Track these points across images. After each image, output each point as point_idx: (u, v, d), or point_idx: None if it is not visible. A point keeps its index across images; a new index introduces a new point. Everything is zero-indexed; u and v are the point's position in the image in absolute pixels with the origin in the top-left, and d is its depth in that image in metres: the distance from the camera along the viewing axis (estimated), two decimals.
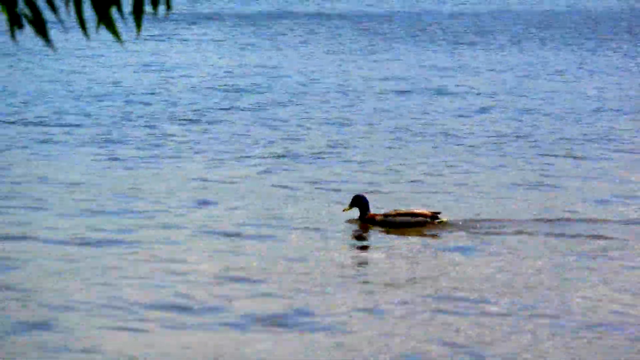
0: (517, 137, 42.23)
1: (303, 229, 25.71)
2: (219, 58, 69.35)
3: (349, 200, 25.53)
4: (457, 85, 56.35)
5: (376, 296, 20.41)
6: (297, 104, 49.73)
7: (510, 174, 35.30)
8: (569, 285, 21.84)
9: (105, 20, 5.76)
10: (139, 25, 5.65)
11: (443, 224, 25.05)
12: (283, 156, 37.77)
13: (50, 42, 5.89)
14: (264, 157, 36.50)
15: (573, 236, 25.79)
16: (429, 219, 24.55)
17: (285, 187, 31.14)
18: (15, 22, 5.75)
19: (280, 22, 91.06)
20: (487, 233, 25.66)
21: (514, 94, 53.45)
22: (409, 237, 25.26)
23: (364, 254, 25.46)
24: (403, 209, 25.23)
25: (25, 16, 5.76)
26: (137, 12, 6.25)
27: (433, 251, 24.67)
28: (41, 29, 5.67)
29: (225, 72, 61.27)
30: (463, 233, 25.31)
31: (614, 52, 73.70)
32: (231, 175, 33.11)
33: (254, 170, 34.18)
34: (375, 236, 25.91)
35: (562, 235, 26.10)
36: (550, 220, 27.24)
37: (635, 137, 41.74)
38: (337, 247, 24.64)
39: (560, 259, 23.73)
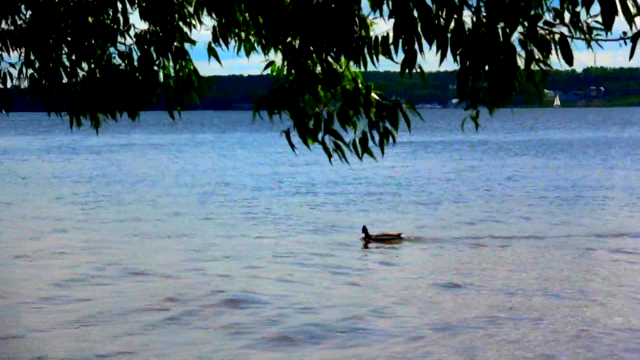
0: None
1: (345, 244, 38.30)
2: None
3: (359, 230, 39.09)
4: None
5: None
6: None
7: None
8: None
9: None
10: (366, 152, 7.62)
11: (404, 238, 38.82)
12: None
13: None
14: None
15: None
16: (397, 237, 38.74)
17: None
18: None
19: None
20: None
21: None
22: (390, 245, 38.26)
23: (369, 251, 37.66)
24: (385, 232, 39.71)
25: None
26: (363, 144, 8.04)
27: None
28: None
29: None
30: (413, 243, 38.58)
31: None
32: None
33: None
34: (373, 246, 37.91)
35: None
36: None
37: None
38: (358, 249, 37.98)
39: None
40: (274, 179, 63.46)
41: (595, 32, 5.84)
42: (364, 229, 37.22)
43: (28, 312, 24.31)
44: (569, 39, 6.30)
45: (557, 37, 6.40)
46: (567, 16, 6.12)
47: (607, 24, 5.66)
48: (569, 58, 6.31)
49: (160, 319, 23.05)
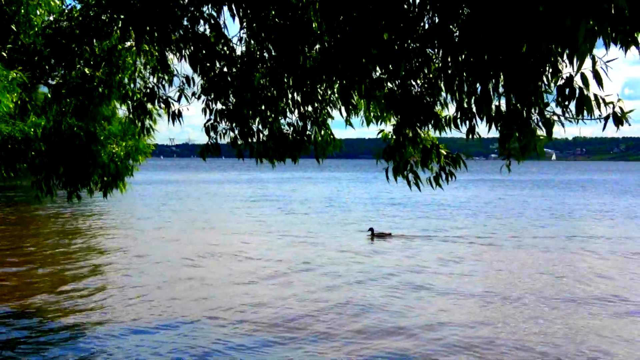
0: None
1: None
2: None
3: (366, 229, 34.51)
4: None
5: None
6: None
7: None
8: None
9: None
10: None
11: (393, 235, 33.79)
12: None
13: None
14: None
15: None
16: (389, 235, 33.94)
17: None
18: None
19: None
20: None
21: None
22: (390, 240, 32.31)
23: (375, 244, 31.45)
24: (383, 231, 34.49)
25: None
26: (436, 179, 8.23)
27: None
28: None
29: None
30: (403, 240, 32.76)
31: None
32: None
33: None
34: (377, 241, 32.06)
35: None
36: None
37: None
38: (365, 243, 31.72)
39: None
40: (372, 197, 61.11)
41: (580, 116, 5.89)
42: (371, 229, 33.91)
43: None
44: (563, 118, 6.39)
45: (554, 118, 6.55)
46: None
47: (577, 113, 5.76)
48: (550, 133, 6.56)
49: None
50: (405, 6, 6.75)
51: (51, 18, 12.53)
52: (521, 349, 13.76)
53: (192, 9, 8.50)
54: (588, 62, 5.13)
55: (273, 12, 8.38)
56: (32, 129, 12.47)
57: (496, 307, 17.77)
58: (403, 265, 24.33)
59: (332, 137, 10.84)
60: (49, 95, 12.94)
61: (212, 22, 8.87)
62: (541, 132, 6.77)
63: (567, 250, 28.57)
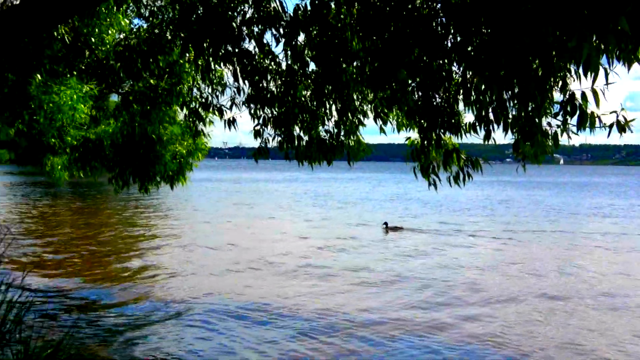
0: None
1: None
2: None
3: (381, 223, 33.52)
4: None
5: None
6: None
7: None
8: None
9: None
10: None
11: (404, 228, 32.70)
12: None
13: None
14: None
15: None
16: (401, 228, 32.68)
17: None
18: None
19: None
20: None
21: None
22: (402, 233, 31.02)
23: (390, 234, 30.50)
24: (396, 225, 33.25)
25: None
26: (456, 179, 8.07)
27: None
28: None
29: None
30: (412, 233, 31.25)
31: None
32: None
33: None
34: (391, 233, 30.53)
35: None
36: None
37: None
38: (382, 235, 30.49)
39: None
40: (394, 195, 58.92)
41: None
42: (385, 223, 33.15)
43: None
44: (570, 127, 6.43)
45: (560, 128, 6.57)
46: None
47: (578, 128, 5.80)
48: (557, 141, 6.58)
49: None
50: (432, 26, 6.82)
51: (121, 36, 12.72)
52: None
53: (244, 29, 8.62)
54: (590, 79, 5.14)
55: (314, 32, 8.45)
56: (104, 133, 12.71)
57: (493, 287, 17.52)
58: (406, 251, 24.68)
59: (363, 143, 10.87)
60: (120, 103, 13.22)
61: (260, 40, 9.01)
62: (549, 140, 6.80)
63: (571, 242, 28.09)
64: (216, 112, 10.76)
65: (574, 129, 6.16)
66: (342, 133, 10.36)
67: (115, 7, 12.01)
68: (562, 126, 6.47)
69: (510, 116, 6.77)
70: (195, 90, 11.99)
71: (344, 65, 8.54)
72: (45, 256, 20.36)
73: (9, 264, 10.34)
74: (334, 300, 15.70)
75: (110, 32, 12.49)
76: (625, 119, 5.77)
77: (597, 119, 5.87)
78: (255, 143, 10.34)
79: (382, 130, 9.89)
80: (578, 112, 5.78)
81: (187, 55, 10.35)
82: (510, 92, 6.29)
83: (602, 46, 4.89)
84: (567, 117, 6.03)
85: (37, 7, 8.39)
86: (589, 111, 5.75)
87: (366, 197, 59.92)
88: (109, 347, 11.29)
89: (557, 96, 6.35)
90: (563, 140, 6.65)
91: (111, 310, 14.27)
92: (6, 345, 7.79)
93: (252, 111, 10.08)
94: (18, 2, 9.69)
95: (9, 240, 10.84)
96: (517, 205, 51.05)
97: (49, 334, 10.10)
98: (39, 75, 11.67)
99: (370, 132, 11.71)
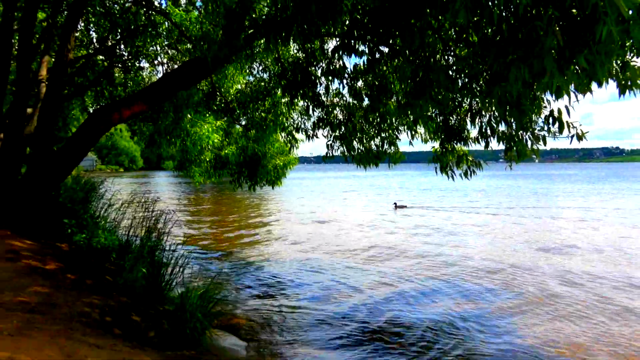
0: None
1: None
2: None
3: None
4: None
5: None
6: None
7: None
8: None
9: None
10: None
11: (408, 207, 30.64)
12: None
13: None
14: None
15: None
16: (405, 206, 30.72)
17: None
18: None
19: None
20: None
21: None
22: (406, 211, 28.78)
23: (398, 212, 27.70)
24: (404, 204, 31.56)
25: None
26: (466, 174, 7.79)
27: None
28: None
29: None
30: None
31: None
32: None
33: None
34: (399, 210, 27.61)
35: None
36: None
37: None
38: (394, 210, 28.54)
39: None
40: (417, 185, 55.03)
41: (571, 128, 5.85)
42: (395, 203, 31.41)
43: None
44: (543, 136, 6.34)
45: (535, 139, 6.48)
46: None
47: (560, 130, 5.70)
48: (535, 152, 6.46)
49: None
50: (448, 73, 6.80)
51: (239, 87, 13.01)
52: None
53: (322, 79, 8.75)
54: (565, 98, 5.09)
55: (370, 78, 8.51)
56: (230, 153, 12.93)
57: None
58: (411, 223, 23.77)
59: (399, 152, 10.67)
60: (240, 130, 13.47)
61: (327, 86, 9.14)
62: (529, 146, 6.72)
63: (542, 217, 26.42)
64: (303, 133, 10.90)
65: (552, 137, 6.12)
66: (385, 145, 10.34)
67: (239, 69, 12.32)
68: (546, 133, 6.36)
69: (501, 132, 6.75)
70: (289, 119, 12.14)
71: (384, 100, 8.58)
72: (195, 230, 20.77)
73: (173, 236, 10.57)
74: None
75: (233, 85, 12.81)
76: (582, 131, 5.73)
77: (570, 125, 5.83)
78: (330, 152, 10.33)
79: (410, 143, 9.83)
80: (558, 122, 5.75)
81: (285, 97, 10.46)
82: (504, 114, 6.26)
83: (568, 80, 4.85)
84: (549, 125, 5.97)
85: (202, 71, 8.67)
86: (564, 120, 5.72)
87: (401, 186, 59.15)
88: (241, 290, 11.44)
89: (538, 116, 6.31)
90: (540, 145, 6.59)
91: (241, 263, 14.39)
92: (174, 287, 7.92)
93: (325, 132, 10.18)
94: (177, 67, 10.05)
95: (173, 220, 11.09)
96: (505, 189, 49.83)
97: (200, 280, 10.34)
98: (188, 114, 12.00)
99: (405, 143, 11.45)
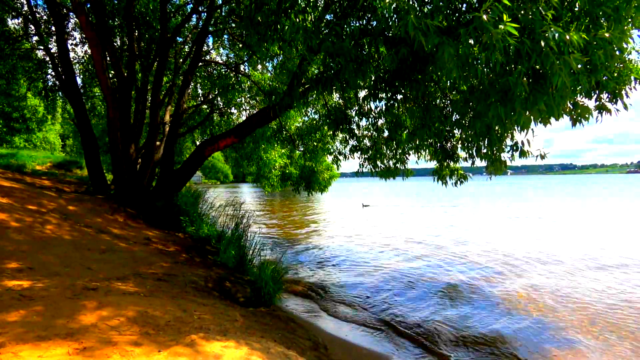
0: None
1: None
2: None
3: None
4: None
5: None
6: None
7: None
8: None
9: None
10: None
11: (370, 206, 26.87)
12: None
13: None
14: None
15: None
16: (369, 205, 26.96)
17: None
18: None
19: None
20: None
21: None
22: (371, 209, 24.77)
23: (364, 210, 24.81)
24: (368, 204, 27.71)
25: None
26: (457, 183, 7.34)
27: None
28: None
29: None
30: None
31: None
32: None
33: None
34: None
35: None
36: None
37: None
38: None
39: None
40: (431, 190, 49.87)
41: (530, 154, 5.63)
42: (362, 203, 28.23)
43: None
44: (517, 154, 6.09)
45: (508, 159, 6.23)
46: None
47: (520, 156, 5.56)
48: (506, 165, 6.20)
49: None
50: (444, 111, 6.65)
51: (298, 124, 12.85)
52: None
53: (356, 118, 8.68)
54: (524, 134, 4.90)
55: (386, 118, 8.36)
56: (293, 170, 12.91)
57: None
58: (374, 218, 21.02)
59: (408, 169, 10.29)
60: (299, 154, 13.31)
61: (357, 123, 9.01)
62: (503, 165, 6.46)
63: (511, 215, 22.41)
64: (343, 156, 10.76)
65: (521, 157, 5.88)
66: (399, 164, 10.05)
67: (298, 112, 12.30)
68: (510, 157, 6.16)
69: (483, 153, 6.52)
70: (333, 146, 12.01)
71: (398, 132, 8.40)
72: (267, 224, 19.84)
73: (251, 228, 10.53)
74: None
75: (294, 123, 12.82)
76: (544, 152, 5.49)
77: (528, 153, 5.62)
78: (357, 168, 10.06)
79: (416, 162, 9.49)
80: (519, 150, 5.57)
81: (330, 131, 10.34)
82: (484, 142, 6.09)
83: (532, 117, 4.68)
84: (514, 152, 5.79)
85: (272, 114, 8.77)
86: (525, 149, 5.53)
87: (411, 193, 56.20)
88: (301, 267, 10.74)
89: (509, 142, 6.10)
90: (513, 163, 6.34)
91: (301, 247, 13.09)
92: (252, 266, 7.82)
93: (358, 155, 10.02)
94: (255, 112, 10.18)
95: (253, 217, 11.04)
96: (483, 193, 47.18)
97: (272, 259, 10.20)
98: (262, 144, 12.12)
99: (413, 162, 11.01)
